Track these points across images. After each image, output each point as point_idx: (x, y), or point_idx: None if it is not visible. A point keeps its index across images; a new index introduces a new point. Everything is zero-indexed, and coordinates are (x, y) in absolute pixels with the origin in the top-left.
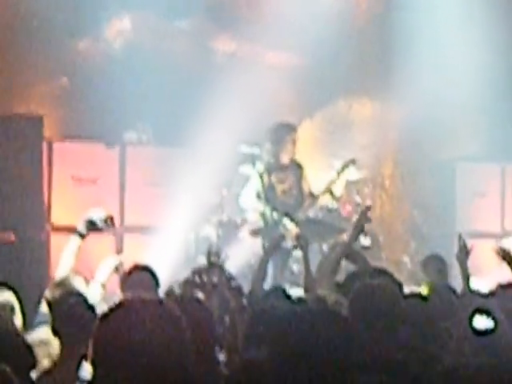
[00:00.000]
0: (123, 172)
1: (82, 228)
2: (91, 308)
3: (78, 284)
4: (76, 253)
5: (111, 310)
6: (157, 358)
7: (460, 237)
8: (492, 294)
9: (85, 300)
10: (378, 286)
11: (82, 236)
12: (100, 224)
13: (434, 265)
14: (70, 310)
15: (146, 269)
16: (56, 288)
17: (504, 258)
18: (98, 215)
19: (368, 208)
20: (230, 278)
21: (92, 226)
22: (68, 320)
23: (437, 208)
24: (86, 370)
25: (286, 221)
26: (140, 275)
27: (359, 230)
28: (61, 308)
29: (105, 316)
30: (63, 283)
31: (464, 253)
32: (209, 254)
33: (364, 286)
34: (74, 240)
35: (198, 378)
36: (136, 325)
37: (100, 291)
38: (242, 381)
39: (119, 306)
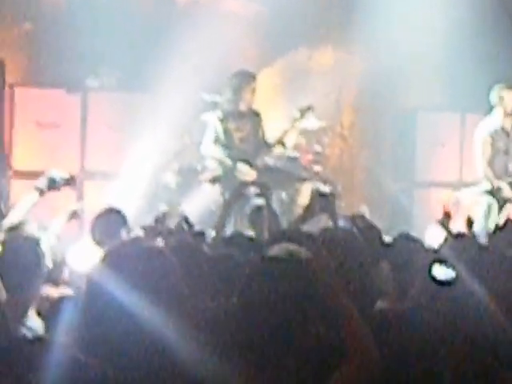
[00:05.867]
0: (85, 117)
1: (42, 185)
2: (41, 254)
3: (31, 230)
4: (31, 206)
5: None
6: None
7: None
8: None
9: (37, 244)
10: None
11: (42, 192)
12: (61, 183)
13: None
14: (19, 254)
15: (115, 211)
16: (8, 232)
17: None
18: (60, 175)
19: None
20: (192, 224)
21: (53, 184)
22: (15, 264)
23: (396, 157)
24: (34, 320)
25: (245, 168)
26: (110, 217)
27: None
28: (10, 250)
29: None
30: (17, 228)
31: None
32: (169, 203)
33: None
34: (33, 195)
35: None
36: None
37: (51, 240)
38: (214, 329)
39: None
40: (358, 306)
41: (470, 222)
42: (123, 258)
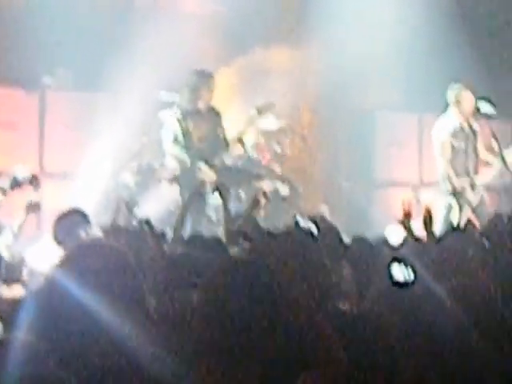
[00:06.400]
0: (43, 117)
1: (5, 185)
2: None
3: None
4: None
5: None
6: None
7: None
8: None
9: None
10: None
11: (5, 192)
12: (24, 183)
13: None
14: None
15: (78, 211)
16: None
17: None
18: (23, 174)
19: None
20: (151, 224)
21: (16, 183)
22: None
23: (355, 158)
24: None
25: (204, 167)
26: (72, 218)
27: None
28: None
29: None
30: None
31: None
32: (127, 204)
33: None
34: None
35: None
36: None
37: (9, 240)
38: (175, 323)
39: None
40: (319, 306)
41: (427, 221)
42: (82, 257)
